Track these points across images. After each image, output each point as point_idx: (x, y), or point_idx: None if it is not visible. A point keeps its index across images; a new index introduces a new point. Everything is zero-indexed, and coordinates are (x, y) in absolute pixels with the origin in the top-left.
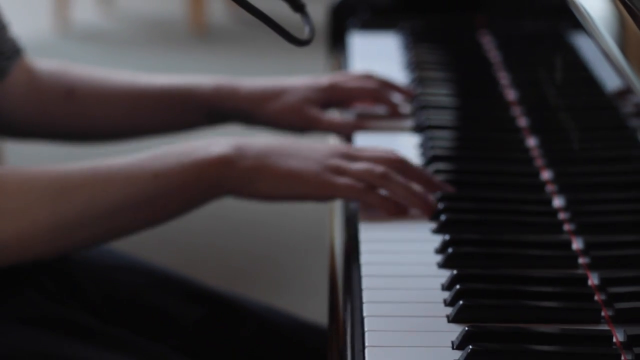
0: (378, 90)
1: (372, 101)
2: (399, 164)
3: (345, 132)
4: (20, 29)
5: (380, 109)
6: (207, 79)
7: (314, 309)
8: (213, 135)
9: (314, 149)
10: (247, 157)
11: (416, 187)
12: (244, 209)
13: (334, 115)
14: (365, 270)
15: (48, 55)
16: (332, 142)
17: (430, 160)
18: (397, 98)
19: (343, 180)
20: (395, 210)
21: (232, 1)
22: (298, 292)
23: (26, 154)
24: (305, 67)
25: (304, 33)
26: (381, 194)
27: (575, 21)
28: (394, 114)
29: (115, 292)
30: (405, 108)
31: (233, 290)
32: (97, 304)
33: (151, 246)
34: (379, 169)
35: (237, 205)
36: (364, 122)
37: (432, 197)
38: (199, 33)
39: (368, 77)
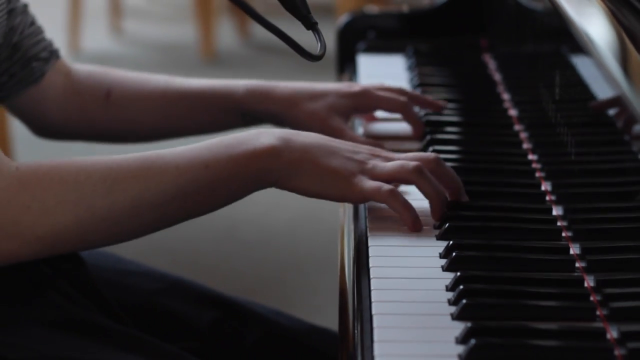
0: (406, 105)
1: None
2: (433, 164)
3: None
4: None
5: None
6: (241, 82)
7: (321, 324)
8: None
9: (356, 150)
10: (293, 149)
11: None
12: (252, 229)
13: (357, 132)
14: (373, 272)
15: None
16: None
17: None
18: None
19: (372, 183)
20: (412, 223)
21: (250, 17)
22: (305, 311)
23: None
24: None
25: (317, 50)
26: (405, 202)
27: (574, 43)
28: (417, 131)
29: (129, 296)
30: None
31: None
32: (112, 308)
33: (159, 267)
34: (412, 163)
35: (245, 225)
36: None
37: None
38: (208, 58)
39: (400, 90)
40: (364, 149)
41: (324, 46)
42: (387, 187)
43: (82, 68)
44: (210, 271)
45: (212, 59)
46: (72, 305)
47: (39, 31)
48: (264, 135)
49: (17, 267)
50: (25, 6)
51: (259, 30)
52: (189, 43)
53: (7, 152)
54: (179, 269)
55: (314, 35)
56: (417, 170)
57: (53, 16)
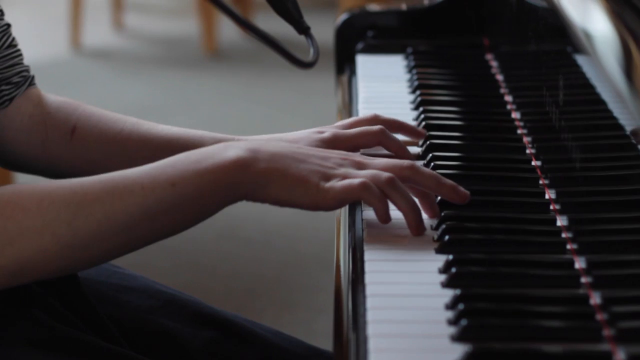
0: (382, 133)
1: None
2: (408, 170)
3: None
4: (37, 50)
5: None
6: (208, 134)
7: (322, 329)
8: None
9: (326, 156)
10: (261, 159)
11: (415, 204)
12: (253, 227)
13: None
14: (369, 289)
15: (62, 75)
16: None
17: None
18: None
19: (341, 182)
20: (384, 216)
21: (239, 25)
22: (306, 311)
23: None
24: (316, 85)
25: (309, 55)
26: (380, 193)
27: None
28: (401, 152)
29: (122, 314)
30: (414, 149)
31: (241, 313)
32: (104, 325)
33: (160, 267)
34: (385, 174)
35: (246, 223)
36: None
37: (423, 225)
38: (210, 53)
39: (373, 119)
40: (336, 155)
41: (316, 52)
42: (357, 181)
43: (54, 100)
44: (211, 270)
45: (214, 53)
46: (61, 324)
47: (15, 54)
48: (231, 148)
49: None
50: (7, 26)
51: (261, 25)
52: (191, 37)
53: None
54: (180, 268)
55: (307, 40)
56: (390, 183)
57: (54, 11)
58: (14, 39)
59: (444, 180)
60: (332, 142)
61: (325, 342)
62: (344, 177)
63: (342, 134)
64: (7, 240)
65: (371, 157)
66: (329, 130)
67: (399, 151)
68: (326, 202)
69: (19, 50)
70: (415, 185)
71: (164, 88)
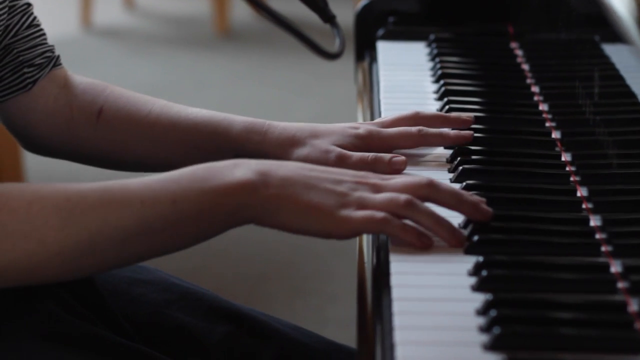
0: (421, 135)
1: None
2: (426, 189)
3: None
4: (46, 28)
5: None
6: (238, 118)
7: (334, 316)
8: None
9: (339, 179)
10: (270, 184)
11: (444, 220)
12: None
13: None
14: (396, 293)
15: (72, 54)
16: None
17: (460, 175)
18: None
19: (361, 213)
20: (419, 241)
21: (261, 15)
22: (318, 298)
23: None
24: (329, 68)
25: (335, 44)
26: (403, 223)
27: (607, 31)
28: (450, 141)
29: (136, 308)
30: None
31: (252, 300)
32: (118, 320)
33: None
34: (403, 197)
35: None
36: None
37: (461, 230)
38: (222, 33)
39: (413, 117)
40: (349, 177)
41: (342, 42)
42: (379, 215)
43: (80, 81)
44: (222, 254)
45: (226, 33)
46: (73, 317)
47: (37, 35)
48: (240, 168)
49: None
50: (27, 6)
51: (274, 5)
52: (203, 17)
53: (17, 166)
54: (190, 252)
55: (332, 30)
56: (409, 205)
57: None
58: (35, 18)
59: (465, 197)
60: (366, 140)
61: (337, 329)
62: (359, 203)
63: (378, 132)
64: None
65: (386, 177)
66: (363, 127)
67: (444, 143)
68: (341, 231)
69: (41, 30)
70: (435, 204)
71: (174, 68)
